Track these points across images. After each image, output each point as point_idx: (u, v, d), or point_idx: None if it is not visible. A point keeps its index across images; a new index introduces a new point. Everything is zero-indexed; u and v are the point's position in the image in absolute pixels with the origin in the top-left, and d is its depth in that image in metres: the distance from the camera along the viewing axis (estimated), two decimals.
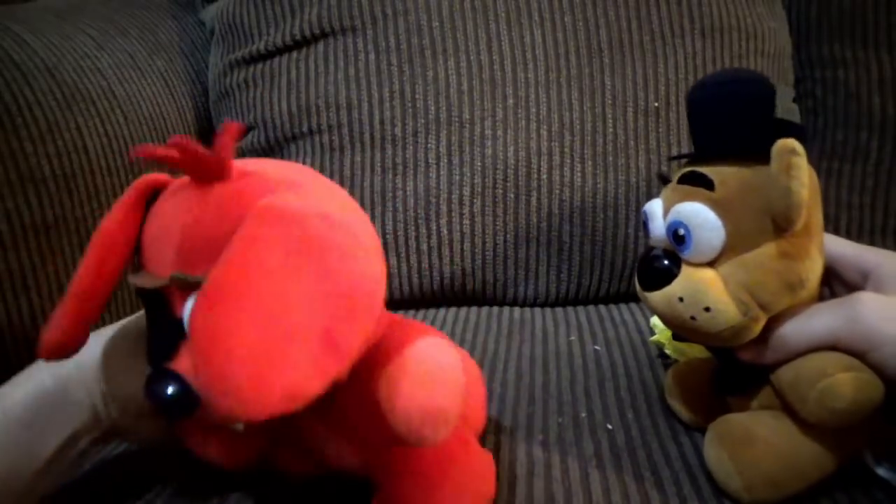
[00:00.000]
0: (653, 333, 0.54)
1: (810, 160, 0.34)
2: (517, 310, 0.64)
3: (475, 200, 0.63)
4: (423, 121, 0.64)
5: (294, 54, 0.67)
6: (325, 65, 0.66)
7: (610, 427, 0.43)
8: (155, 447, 0.40)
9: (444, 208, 0.63)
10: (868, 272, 0.37)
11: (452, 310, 0.64)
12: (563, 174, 0.63)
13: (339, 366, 0.26)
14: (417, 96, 0.64)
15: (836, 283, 0.39)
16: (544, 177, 0.63)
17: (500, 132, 0.63)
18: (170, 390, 0.28)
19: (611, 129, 0.64)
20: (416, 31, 0.64)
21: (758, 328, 0.35)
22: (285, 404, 0.25)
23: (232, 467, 0.37)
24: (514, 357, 0.53)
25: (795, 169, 0.32)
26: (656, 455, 0.40)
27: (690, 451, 0.41)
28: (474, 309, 0.64)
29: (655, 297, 0.37)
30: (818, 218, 0.36)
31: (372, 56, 0.65)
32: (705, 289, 0.35)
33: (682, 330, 0.37)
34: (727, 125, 0.35)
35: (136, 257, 0.32)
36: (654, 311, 0.38)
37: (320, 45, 0.66)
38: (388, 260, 0.64)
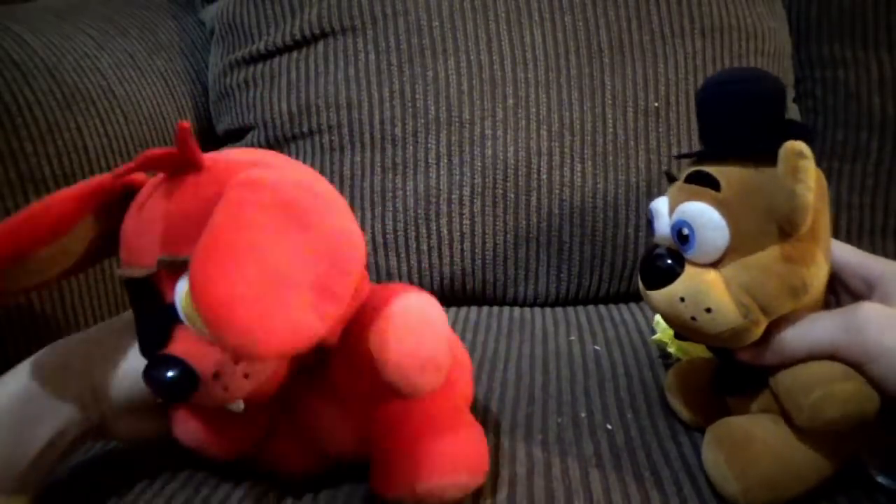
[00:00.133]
0: (654, 332, 0.54)
1: None
2: (517, 310, 0.64)
3: (475, 200, 0.63)
4: (423, 121, 0.64)
5: (294, 54, 0.67)
6: (325, 65, 0.66)
7: (610, 427, 0.43)
8: (143, 444, 0.40)
9: (444, 208, 0.63)
10: (872, 282, 0.37)
11: (452, 310, 0.64)
12: (563, 174, 0.63)
13: (336, 309, 0.27)
14: (417, 96, 0.64)
15: (841, 290, 0.39)
16: (544, 177, 0.63)
17: (500, 132, 0.63)
18: (169, 374, 0.29)
19: (611, 129, 0.64)
20: (416, 31, 0.64)
21: (759, 331, 0.35)
22: (292, 342, 0.26)
23: (226, 458, 0.37)
24: (514, 357, 0.53)
25: (802, 172, 0.32)
26: (656, 455, 0.40)
27: (690, 451, 0.41)
28: (474, 309, 0.64)
29: (657, 295, 0.37)
30: (825, 222, 0.36)
31: (372, 56, 0.65)
32: (707, 290, 0.35)
33: (683, 329, 0.37)
34: (735, 125, 0.35)
35: (119, 254, 0.33)
36: (656, 310, 0.38)
37: (320, 45, 0.66)
38: (388, 260, 0.64)
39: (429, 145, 0.64)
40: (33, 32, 0.56)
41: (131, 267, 0.32)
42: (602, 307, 0.64)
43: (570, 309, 0.64)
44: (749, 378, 0.38)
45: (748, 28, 0.68)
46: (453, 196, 0.63)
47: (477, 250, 0.64)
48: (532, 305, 0.66)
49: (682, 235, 0.35)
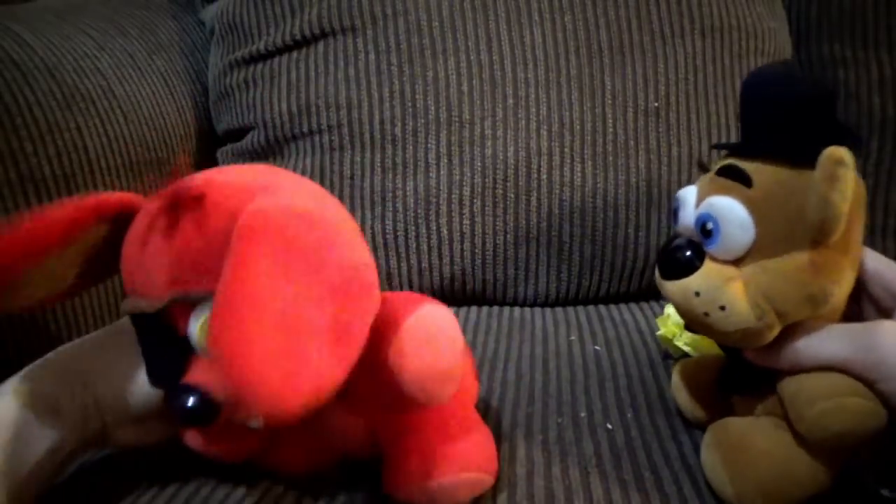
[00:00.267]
0: (657, 329, 0.54)
1: None
2: (517, 310, 0.64)
3: (475, 200, 0.63)
4: (423, 121, 0.64)
5: (294, 54, 0.67)
6: (325, 65, 0.66)
7: (610, 427, 0.43)
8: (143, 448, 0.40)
9: (444, 208, 0.63)
10: None
11: (452, 310, 0.64)
12: (563, 174, 0.63)
13: (354, 350, 0.27)
14: (417, 96, 0.64)
15: (866, 300, 0.38)
16: (544, 177, 0.63)
17: (500, 132, 0.63)
18: (191, 404, 0.30)
19: (611, 129, 0.64)
20: (416, 31, 0.64)
21: (771, 335, 0.34)
22: (316, 397, 0.26)
23: (236, 461, 0.37)
24: (514, 357, 0.53)
25: (839, 181, 0.31)
26: (656, 455, 0.40)
27: (690, 450, 0.41)
28: (474, 309, 0.64)
29: (672, 286, 0.36)
30: (858, 233, 0.35)
31: (372, 56, 0.65)
32: (724, 287, 0.34)
33: (693, 324, 0.37)
34: (779, 123, 0.34)
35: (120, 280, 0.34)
36: (669, 301, 0.37)
37: (320, 45, 0.66)
38: (388, 260, 0.64)
39: (429, 145, 0.64)
40: (33, 32, 0.56)
41: (138, 300, 0.32)
42: (602, 307, 0.64)
43: (570, 309, 0.64)
44: (755, 378, 0.38)
45: (748, 28, 0.68)
46: (453, 196, 0.63)
47: (477, 250, 0.64)
48: (532, 305, 0.66)
49: (706, 229, 0.35)
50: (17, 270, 0.32)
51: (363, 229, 0.63)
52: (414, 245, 0.64)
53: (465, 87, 0.64)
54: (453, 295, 0.66)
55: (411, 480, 0.35)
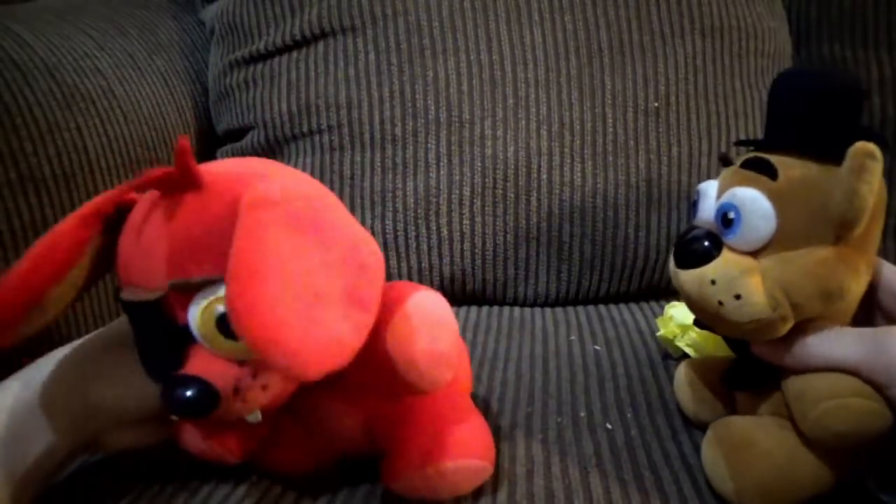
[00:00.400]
0: (657, 330, 0.54)
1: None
2: (517, 310, 0.64)
3: (475, 200, 0.63)
4: (423, 121, 0.64)
5: (294, 54, 0.67)
6: (325, 65, 0.66)
7: (609, 426, 0.43)
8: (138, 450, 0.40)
9: (444, 208, 0.63)
10: None
11: (452, 310, 0.64)
12: (563, 174, 0.63)
13: (368, 317, 0.28)
14: (417, 96, 0.64)
15: (875, 308, 0.38)
16: (544, 177, 0.63)
17: (500, 132, 0.63)
18: (190, 394, 0.29)
19: (611, 129, 0.64)
20: (416, 31, 0.64)
21: (784, 328, 0.34)
22: (335, 357, 0.27)
23: (234, 461, 0.37)
24: (514, 357, 0.53)
25: (867, 173, 0.31)
26: (656, 454, 0.40)
27: (690, 450, 0.41)
28: (474, 309, 0.64)
29: (687, 275, 0.36)
30: (876, 235, 0.35)
31: (372, 56, 0.65)
32: (741, 276, 0.34)
33: (705, 315, 0.36)
34: (809, 118, 0.34)
35: (116, 276, 0.33)
36: (681, 291, 0.37)
37: (320, 45, 0.66)
38: (388, 260, 0.64)
39: (429, 145, 0.64)
40: (33, 32, 0.56)
41: (135, 289, 0.32)
42: (602, 307, 0.64)
43: (570, 309, 0.64)
44: (762, 375, 0.38)
45: (748, 28, 0.68)
46: (453, 196, 0.63)
47: (477, 250, 0.64)
48: (532, 305, 0.66)
49: (727, 219, 0.35)
50: (38, 295, 0.32)
51: None
52: (414, 245, 0.64)
53: (465, 87, 0.64)
54: (453, 295, 0.66)
55: (410, 468, 0.35)
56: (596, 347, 0.54)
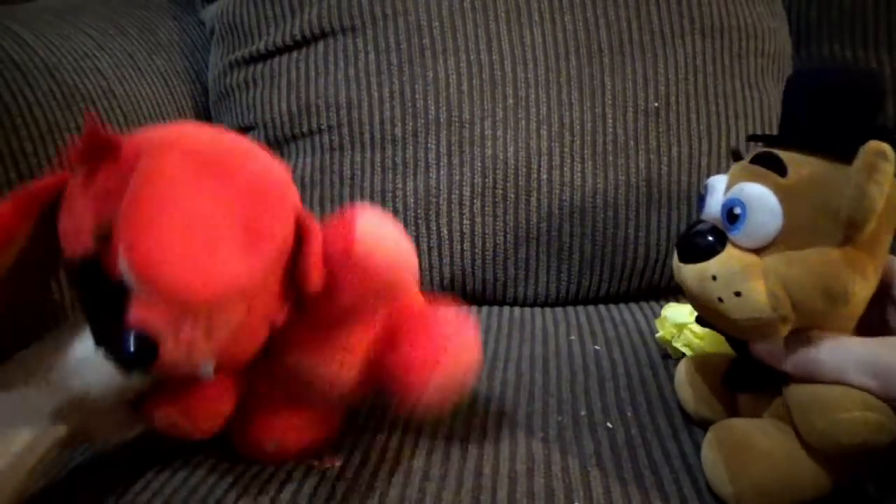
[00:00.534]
0: (657, 331, 0.54)
1: None
2: (517, 310, 0.64)
3: (475, 200, 0.63)
4: (423, 121, 0.64)
5: (294, 54, 0.67)
6: (325, 65, 0.66)
7: (610, 426, 0.43)
8: (125, 443, 0.40)
9: (444, 208, 0.63)
10: None
11: None
12: (563, 174, 0.63)
13: (268, 246, 0.30)
14: (417, 96, 0.64)
15: (890, 304, 0.37)
16: (544, 177, 0.63)
17: (500, 132, 0.63)
18: (128, 345, 0.29)
19: (611, 129, 0.64)
20: (416, 31, 0.64)
21: (784, 330, 0.34)
22: (224, 285, 0.28)
23: (203, 436, 0.37)
24: (514, 357, 0.53)
25: (878, 172, 0.30)
26: (656, 453, 0.40)
27: (690, 449, 0.41)
28: (474, 309, 0.64)
29: (689, 270, 0.36)
30: (887, 239, 0.34)
31: (372, 56, 0.65)
32: (742, 272, 0.33)
33: (705, 312, 0.36)
34: (823, 116, 0.33)
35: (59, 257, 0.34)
36: (683, 286, 0.37)
37: (320, 45, 0.66)
38: None
39: (429, 145, 0.64)
40: (33, 32, 0.56)
41: (73, 256, 0.32)
42: (602, 307, 0.64)
43: (570, 309, 0.64)
44: (763, 377, 0.37)
45: (748, 28, 0.68)
46: (453, 196, 0.63)
47: (477, 250, 0.64)
48: (532, 305, 0.66)
49: (733, 214, 0.34)
50: None
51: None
52: (414, 245, 0.63)
53: (465, 87, 0.64)
54: (453, 295, 0.66)
55: (425, 367, 0.36)
56: (596, 347, 0.54)
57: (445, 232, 0.63)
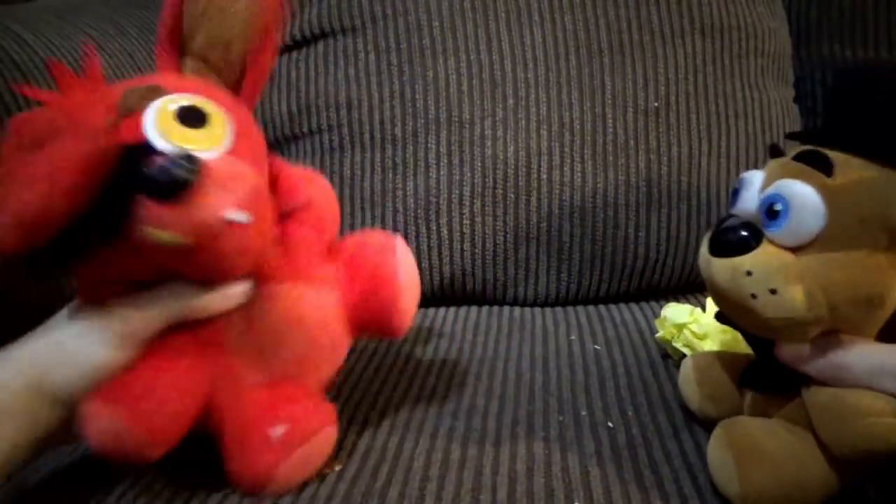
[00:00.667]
0: (657, 331, 0.54)
1: None
2: (517, 310, 0.64)
3: (475, 200, 0.63)
4: (423, 121, 0.64)
5: (294, 54, 0.67)
6: (325, 65, 0.66)
7: (610, 425, 0.43)
8: None
9: (444, 208, 0.63)
10: None
11: (452, 309, 0.64)
12: (563, 174, 0.63)
13: (42, 185, 0.30)
14: (417, 96, 0.64)
15: None
16: (544, 177, 0.63)
17: (500, 132, 0.63)
18: (168, 164, 0.32)
19: (611, 129, 0.64)
20: (416, 31, 0.64)
21: (814, 332, 0.33)
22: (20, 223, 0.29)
23: (151, 450, 0.35)
24: (515, 356, 0.53)
25: None
26: (657, 453, 0.40)
27: (691, 448, 0.41)
28: (474, 309, 0.64)
29: (720, 264, 0.35)
30: None
31: (372, 56, 0.65)
32: (780, 270, 0.33)
33: (733, 308, 0.35)
34: (876, 117, 0.32)
35: None
36: (710, 280, 0.36)
37: (320, 45, 0.66)
38: None
39: (429, 145, 0.64)
40: (33, 32, 0.56)
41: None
42: (602, 307, 0.64)
43: (570, 309, 0.64)
44: (782, 379, 0.37)
45: (748, 28, 0.68)
46: (453, 196, 0.63)
47: (477, 250, 0.64)
48: (532, 305, 0.66)
49: (773, 210, 0.33)
50: None
51: (363, 229, 0.63)
52: (414, 245, 0.64)
53: (465, 87, 0.64)
54: (453, 295, 0.66)
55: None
56: (596, 347, 0.54)
57: (445, 232, 0.63)
